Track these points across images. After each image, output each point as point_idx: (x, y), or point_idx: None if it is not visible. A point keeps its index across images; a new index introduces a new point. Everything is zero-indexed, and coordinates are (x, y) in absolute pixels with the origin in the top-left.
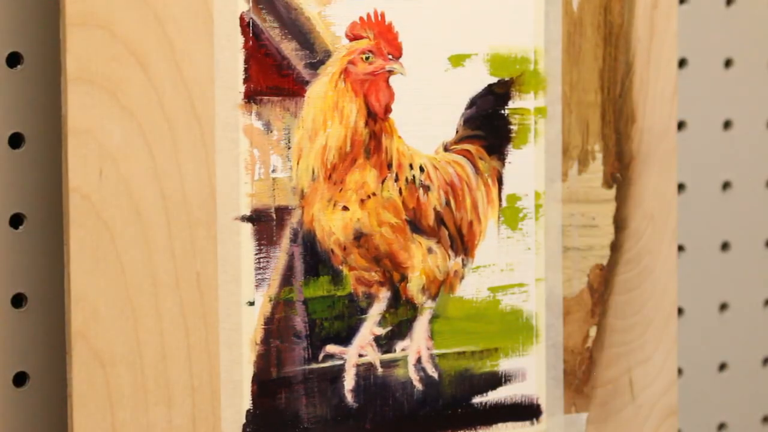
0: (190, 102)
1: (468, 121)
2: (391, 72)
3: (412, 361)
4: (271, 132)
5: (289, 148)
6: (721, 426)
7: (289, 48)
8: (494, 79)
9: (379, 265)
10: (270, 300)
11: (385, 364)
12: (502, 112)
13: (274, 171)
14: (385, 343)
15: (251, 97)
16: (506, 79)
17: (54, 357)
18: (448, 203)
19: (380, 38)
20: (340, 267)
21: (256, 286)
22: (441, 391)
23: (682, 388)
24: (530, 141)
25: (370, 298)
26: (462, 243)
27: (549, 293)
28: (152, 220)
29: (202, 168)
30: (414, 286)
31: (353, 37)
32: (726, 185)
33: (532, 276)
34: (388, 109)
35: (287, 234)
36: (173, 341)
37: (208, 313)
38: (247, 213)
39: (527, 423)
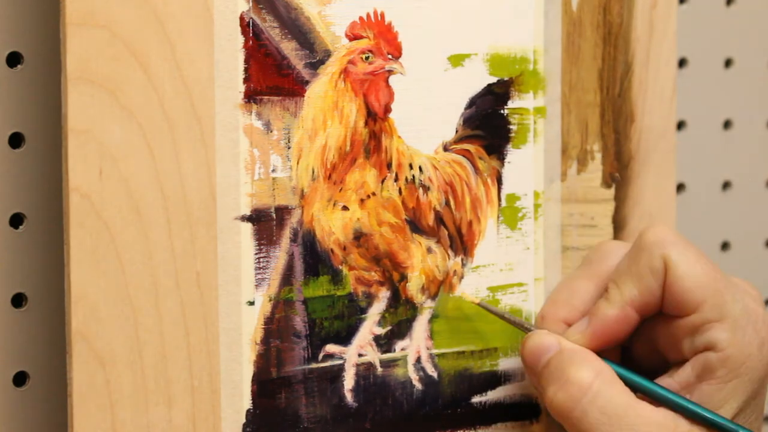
0: (190, 102)
1: (467, 121)
2: (390, 72)
3: (411, 360)
4: (271, 132)
5: (289, 148)
6: None
7: (289, 48)
8: (494, 79)
9: (379, 265)
10: (270, 300)
11: (385, 364)
12: (502, 111)
13: (274, 171)
14: (384, 343)
15: (251, 96)
16: (506, 78)
17: (54, 357)
18: (447, 203)
19: (380, 38)
20: (340, 267)
21: (256, 285)
22: (440, 391)
23: None
24: (529, 141)
25: (370, 298)
26: (461, 243)
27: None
28: (152, 220)
29: (202, 168)
30: (413, 286)
31: (353, 37)
32: (726, 185)
33: (531, 275)
34: (387, 109)
35: (287, 234)
36: (173, 341)
37: (208, 313)
38: (247, 213)
39: (527, 422)
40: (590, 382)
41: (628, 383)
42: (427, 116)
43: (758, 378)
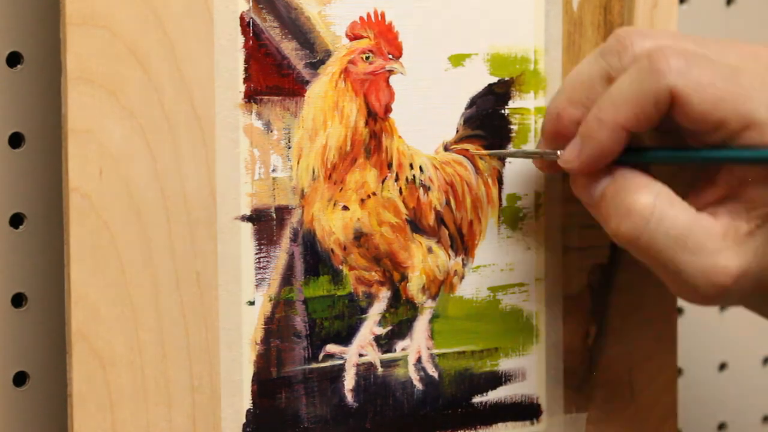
0: (190, 102)
1: (468, 121)
2: (391, 72)
3: (412, 360)
4: (271, 132)
5: (289, 148)
6: (721, 426)
7: (289, 48)
8: (494, 79)
9: (379, 265)
10: (270, 300)
11: (385, 364)
12: (503, 111)
13: (274, 171)
14: (385, 343)
15: (251, 96)
16: (506, 78)
17: (54, 357)
18: (448, 203)
19: (380, 38)
20: (340, 267)
21: (256, 285)
22: (441, 391)
23: (682, 388)
24: (530, 141)
25: (370, 298)
26: (462, 243)
27: (549, 293)
28: (152, 220)
29: (202, 168)
30: (414, 286)
31: (353, 37)
32: None
33: (532, 276)
34: (388, 109)
35: (287, 234)
36: (173, 341)
37: (208, 313)
38: (247, 213)
39: (527, 423)
40: (651, 208)
41: (663, 159)
42: (427, 116)
43: None
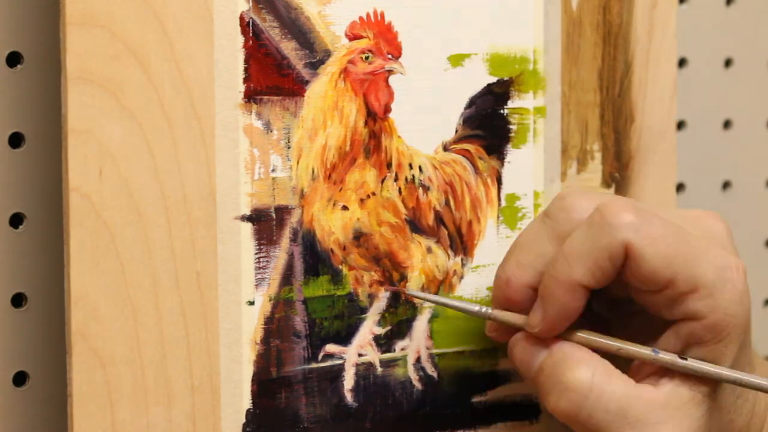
0: (190, 102)
1: (467, 121)
2: (390, 72)
3: (411, 360)
4: (271, 132)
5: (288, 148)
6: None
7: (288, 47)
8: (493, 79)
9: (379, 265)
10: (270, 299)
11: (385, 364)
12: (502, 111)
13: (273, 171)
14: (384, 343)
15: (251, 96)
16: (505, 78)
17: (54, 357)
18: (447, 203)
19: (380, 38)
20: (340, 267)
21: (256, 285)
22: (440, 391)
23: None
24: (529, 141)
25: (370, 298)
26: (461, 242)
27: None
28: (152, 220)
29: (202, 168)
30: (413, 286)
31: (353, 37)
32: (726, 185)
33: None
34: (387, 109)
35: (287, 234)
36: (173, 341)
37: (208, 313)
38: (247, 213)
39: (526, 422)
40: (589, 383)
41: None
42: (427, 116)
43: (744, 329)
